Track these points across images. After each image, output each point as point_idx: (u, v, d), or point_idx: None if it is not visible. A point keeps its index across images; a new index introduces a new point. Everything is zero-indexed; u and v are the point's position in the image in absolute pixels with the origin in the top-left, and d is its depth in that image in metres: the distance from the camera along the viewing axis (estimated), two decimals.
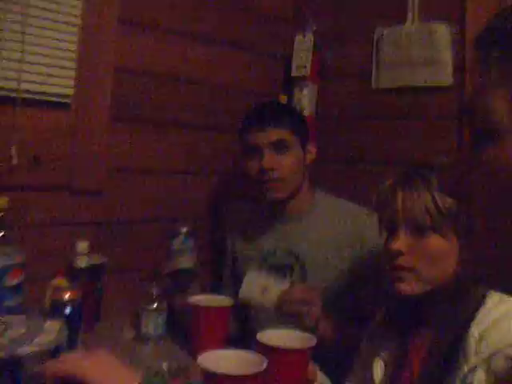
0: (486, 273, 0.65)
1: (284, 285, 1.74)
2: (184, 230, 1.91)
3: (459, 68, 2.07)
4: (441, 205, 1.24)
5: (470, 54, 1.88)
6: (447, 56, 2.09)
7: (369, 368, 1.40)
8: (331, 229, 1.94)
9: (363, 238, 1.88)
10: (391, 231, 1.34)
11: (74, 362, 0.94)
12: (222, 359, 1.17)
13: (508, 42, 0.61)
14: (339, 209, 1.99)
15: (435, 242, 1.27)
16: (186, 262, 1.89)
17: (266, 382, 1.16)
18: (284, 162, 1.89)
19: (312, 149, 2.00)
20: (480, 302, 1.20)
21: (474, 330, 1.16)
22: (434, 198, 1.25)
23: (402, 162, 2.16)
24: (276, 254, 1.99)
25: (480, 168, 0.61)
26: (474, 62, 0.67)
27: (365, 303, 1.86)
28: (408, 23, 2.20)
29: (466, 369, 1.14)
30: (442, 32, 2.09)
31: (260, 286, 1.74)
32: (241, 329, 2.03)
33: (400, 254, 1.29)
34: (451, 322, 1.23)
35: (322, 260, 1.91)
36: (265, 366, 1.15)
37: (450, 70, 2.09)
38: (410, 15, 2.19)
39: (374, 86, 2.31)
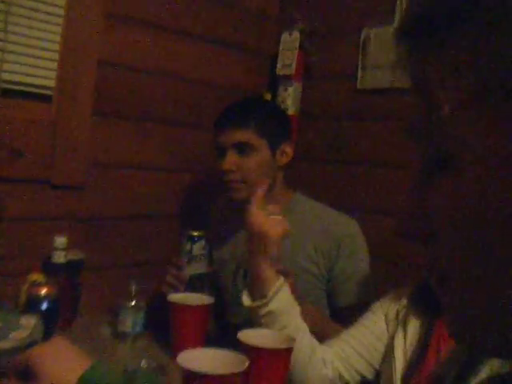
0: None
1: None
2: (198, 233, 1.87)
3: None
4: None
5: None
6: None
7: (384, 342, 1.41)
8: (307, 233, 1.89)
9: (340, 243, 1.85)
10: None
11: (29, 352, 0.94)
12: (202, 358, 1.15)
13: (446, 23, 0.46)
14: (317, 213, 1.94)
15: None
16: (202, 267, 1.87)
17: (246, 381, 1.15)
18: (246, 164, 1.85)
19: (288, 149, 1.93)
20: None
21: None
22: None
23: (386, 164, 2.17)
24: None
25: (438, 204, 0.50)
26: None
27: (343, 310, 1.85)
28: (395, 24, 2.19)
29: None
30: None
31: None
32: (220, 327, 2.01)
33: None
34: None
35: (297, 266, 1.85)
36: (246, 365, 1.13)
37: None
38: (397, 16, 2.18)
39: (359, 86, 2.30)
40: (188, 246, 1.82)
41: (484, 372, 1.04)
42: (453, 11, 0.45)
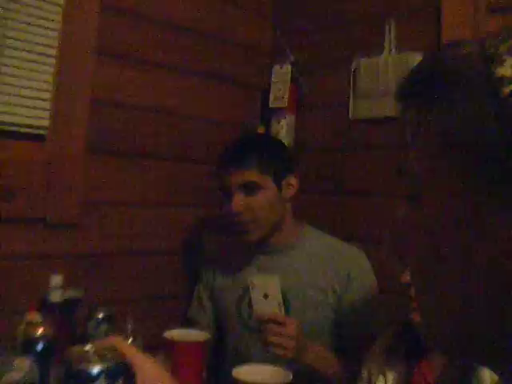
0: None
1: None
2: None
3: None
4: None
5: None
6: None
7: None
8: (317, 264, 1.91)
9: (350, 275, 1.87)
10: None
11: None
12: None
13: (420, 91, 0.58)
14: (326, 245, 1.97)
15: None
16: None
17: None
18: (254, 203, 1.87)
19: (293, 181, 1.95)
20: None
21: None
22: None
23: (381, 193, 2.17)
24: None
25: (412, 225, 0.60)
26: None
27: (348, 340, 1.85)
28: (385, 54, 2.21)
29: None
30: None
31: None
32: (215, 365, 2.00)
33: (410, 285, 1.32)
34: None
35: (305, 296, 1.88)
36: None
37: None
38: (387, 46, 2.21)
39: (351, 116, 2.32)
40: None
41: None
42: (418, 89, 0.58)
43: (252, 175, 1.86)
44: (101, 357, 0.77)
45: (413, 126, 0.58)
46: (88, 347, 0.79)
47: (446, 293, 0.56)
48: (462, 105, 0.52)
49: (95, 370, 0.76)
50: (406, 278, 1.32)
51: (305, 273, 1.91)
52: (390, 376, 1.38)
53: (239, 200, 1.86)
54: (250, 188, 1.86)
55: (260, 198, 1.87)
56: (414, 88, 0.59)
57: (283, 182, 1.93)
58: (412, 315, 1.34)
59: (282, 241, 1.96)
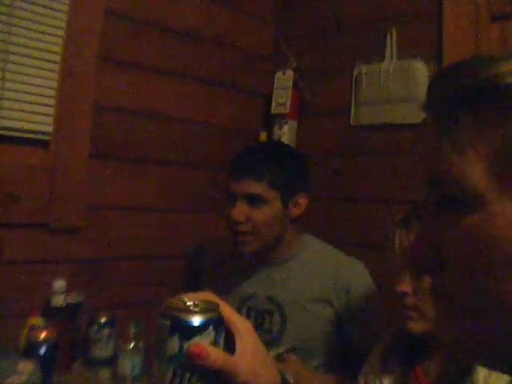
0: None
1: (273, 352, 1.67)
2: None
3: None
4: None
5: None
6: (425, 93, 2.10)
7: None
8: (316, 277, 1.88)
9: (350, 287, 1.83)
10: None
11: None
12: None
13: (474, 101, 0.58)
14: (326, 256, 1.92)
15: None
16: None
17: None
18: (255, 216, 1.81)
19: (302, 200, 1.89)
20: None
21: None
22: None
23: (382, 200, 2.18)
24: (256, 298, 1.92)
25: (457, 239, 0.58)
26: (424, 126, 0.64)
27: (348, 351, 1.84)
28: (386, 61, 2.22)
29: None
30: (420, 69, 2.12)
31: None
32: None
33: (405, 294, 1.34)
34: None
35: (304, 309, 1.85)
36: None
37: None
38: (388, 53, 2.22)
39: (352, 122, 2.33)
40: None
41: None
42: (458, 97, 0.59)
43: (259, 187, 1.80)
44: (202, 308, 0.75)
45: (470, 132, 0.57)
46: (185, 299, 0.76)
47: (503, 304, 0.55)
48: None
49: (203, 320, 0.73)
50: (402, 287, 1.34)
51: (303, 285, 1.87)
52: (386, 382, 1.39)
53: (241, 210, 1.81)
54: (254, 200, 1.81)
55: (263, 213, 1.81)
56: (465, 98, 0.59)
57: (291, 201, 1.87)
58: (407, 324, 1.34)
59: (281, 253, 1.92)
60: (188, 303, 0.75)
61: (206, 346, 0.72)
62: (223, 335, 0.76)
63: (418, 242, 0.64)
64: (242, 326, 0.79)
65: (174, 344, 0.72)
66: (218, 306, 0.78)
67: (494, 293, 0.55)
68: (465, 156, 0.57)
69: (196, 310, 0.74)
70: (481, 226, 0.55)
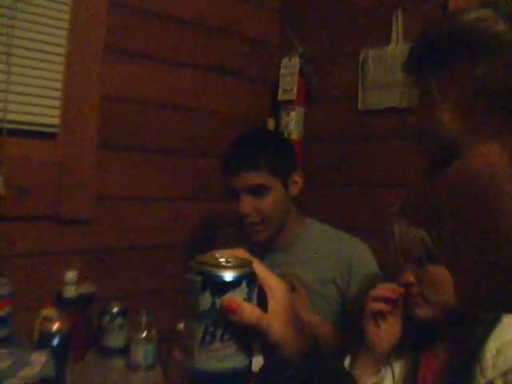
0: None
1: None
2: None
3: None
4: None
5: None
6: None
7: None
8: (320, 258, 1.90)
9: (351, 265, 1.86)
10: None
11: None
12: None
13: (441, 58, 0.60)
14: (328, 238, 1.95)
15: (435, 270, 1.33)
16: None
17: None
18: (262, 205, 1.83)
19: (298, 178, 1.93)
20: (496, 317, 1.22)
21: (492, 345, 1.18)
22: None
23: (391, 184, 2.18)
24: None
25: (446, 188, 0.60)
26: (407, 87, 0.65)
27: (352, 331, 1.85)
28: (392, 44, 2.21)
29: (482, 383, 1.14)
30: None
31: None
32: None
33: (410, 284, 1.37)
34: (466, 337, 1.26)
35: (311, 292, 1.85)
36: None
37: None
38: (394, 36, 2.21)
39: (360, 107, 2.32)
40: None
41: None
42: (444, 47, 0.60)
43: (260, 178, 1.83)
44: (235, 264, 0.72)
45: (442, 84, 0.60)
46: (217, 255, 0.74)
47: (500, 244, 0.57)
48: (496, 57, 0.56)
49: (236, 275, 0.71)
50: (408, 277, 1.36)
51: (308, 268, 1.89)
52: (397, 368, 1.40)
53: (247, 203, 1.83)
54: (257, 191, 1.83)
55: (269, 200, 1.84)
56: (436, 54, 0.61)
57: (289, 181, 1.91)
58: (415, 310, 1.36)
59: (286, 237, 1.95)
60: (220, 259, 0.73)
61: (240, 302, 0.70)
62: (256, 293, 0.74)
63: (411, 196, 0.66)
64: (275, 285, 0.77)
65: (205, 300, 0.70)
66: (250, 262, 0.76)
67: (492, 228, 0.57)
68: (437, 108, 0.59)
69: (229, 265, 0.72)
70: (462, 170, 0.58)
